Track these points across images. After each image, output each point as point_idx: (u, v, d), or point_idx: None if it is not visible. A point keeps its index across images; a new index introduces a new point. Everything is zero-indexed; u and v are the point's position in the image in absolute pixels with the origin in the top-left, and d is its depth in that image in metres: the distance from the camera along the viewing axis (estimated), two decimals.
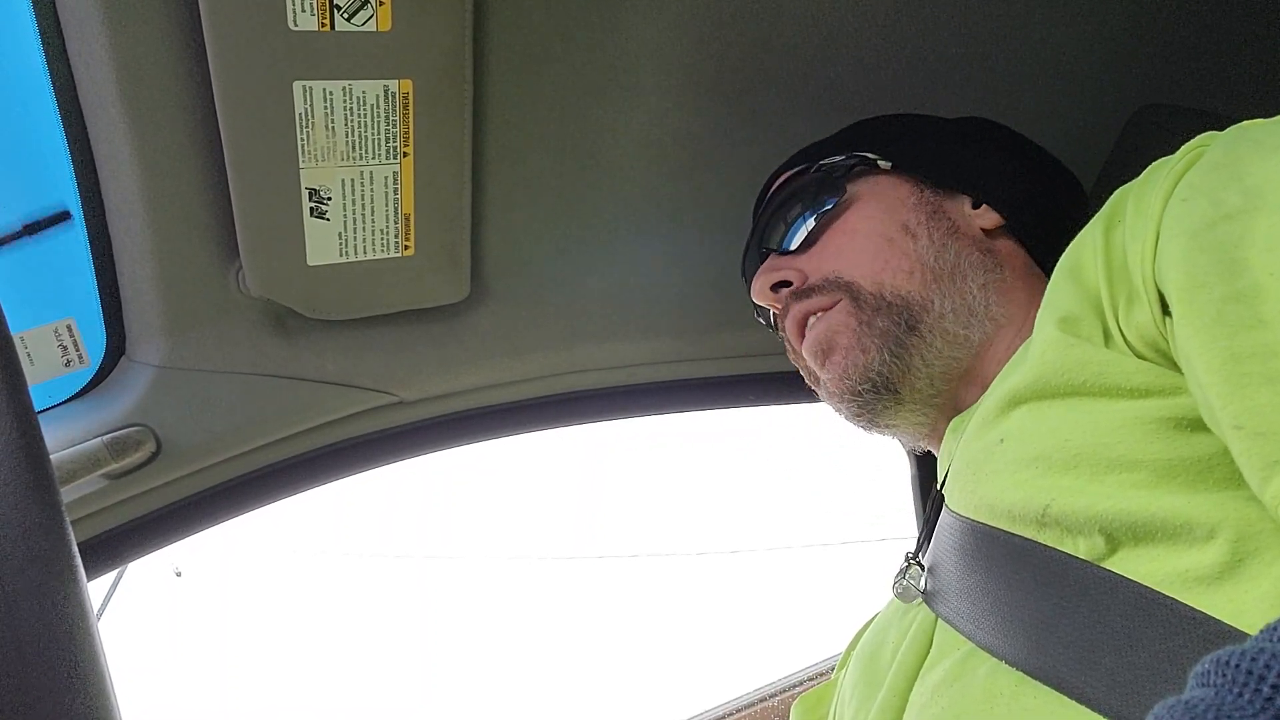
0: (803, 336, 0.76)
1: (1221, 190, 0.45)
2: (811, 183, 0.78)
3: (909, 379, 0.70)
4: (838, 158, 0.78)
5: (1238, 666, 0.28)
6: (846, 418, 0.76)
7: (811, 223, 0.76)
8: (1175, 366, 0.48)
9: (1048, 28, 0.96)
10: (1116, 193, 0.55)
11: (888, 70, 0.96)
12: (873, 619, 0.75)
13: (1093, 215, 0.57)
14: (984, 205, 0.75)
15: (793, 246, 0.77)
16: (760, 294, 0.78)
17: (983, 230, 0.75)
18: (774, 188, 0.83)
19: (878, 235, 0.73)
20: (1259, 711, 0.27)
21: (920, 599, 0.61)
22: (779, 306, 0.78)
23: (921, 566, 0.62)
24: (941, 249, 0.72)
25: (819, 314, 0.74)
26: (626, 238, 1.01)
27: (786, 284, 0.76)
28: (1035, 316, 0.63)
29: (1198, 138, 0.51)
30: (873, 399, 0.71)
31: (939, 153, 0.78)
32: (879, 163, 0.77)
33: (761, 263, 0.81)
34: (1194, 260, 0.44)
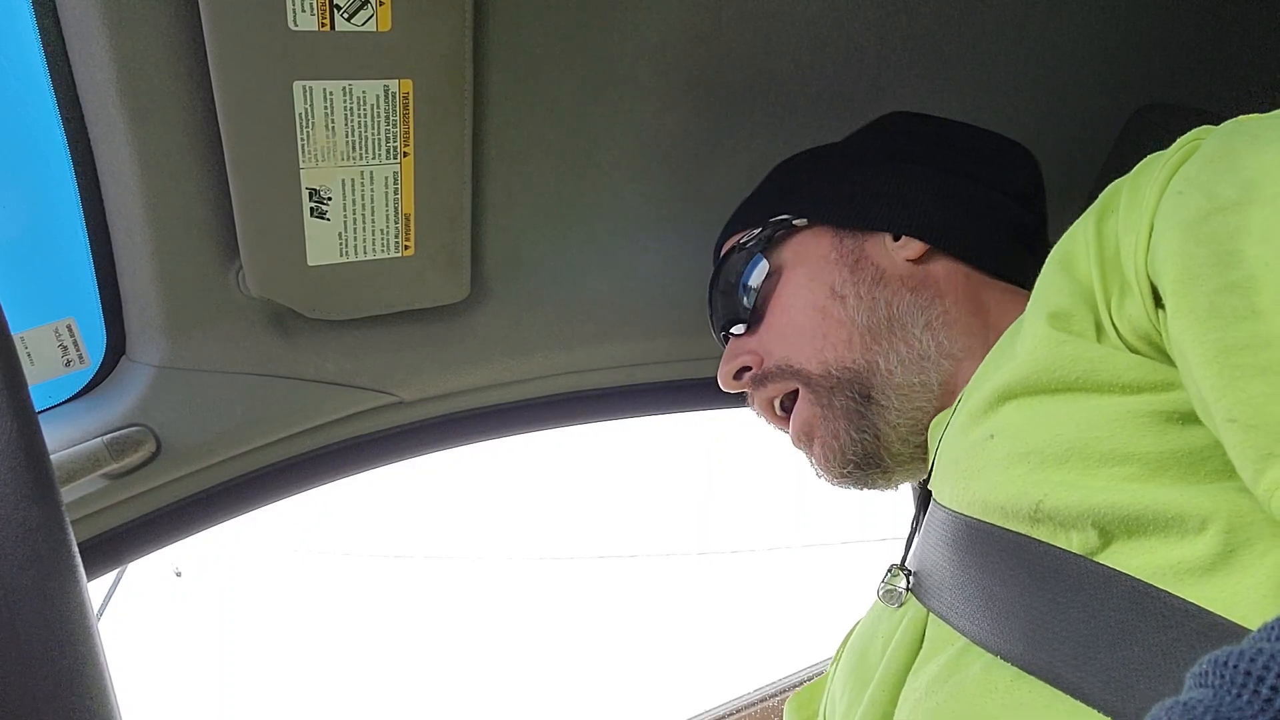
0: (774, 415, 0.79)
1: (1217, 183, 0.45)
2: (739, 260, 0.80)
3: (883, 446, 0.72)
4: (756, 230, 0.80)
5: (1235, 667, 0.28)
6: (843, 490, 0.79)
7: (752, 301, 0.78)
8: (1168, 359, 0.48)
9: (1048, 28, 0.97)
10: (1110, 186, 0.55)
11: (887, 71, 0.96)
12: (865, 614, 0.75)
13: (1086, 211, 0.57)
14: (903, 236, 0.75)
15: (742, 329, 0.80)
16: (726, 383, 0.81)
17: (911, 261, 0.75)
18: (718, 262, 0.84)
19: (809, 308, 0.75)
20: (1258, 712, 0.27)
21: (906, 600, 0.61)
22: (746, 389, 0.81)
23: (907, 572, 0.63)
24: (873, 304, 0.73)
25: (781, 399, 0.77)
26: (626, 238, 1.01)
27: (748, 369, 0.79)
28: (997, 329, 0.62)
29: (1193, 131, 0.51)
30: (861, 475, 0.74)
31: (846, 193, 0.78)
32: (794, 222, 0.78)
33: (723, 342, 0.84)
34: (1188, 252, 0.44)
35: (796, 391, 0.76)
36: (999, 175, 0.80)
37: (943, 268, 0.75)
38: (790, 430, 0.78)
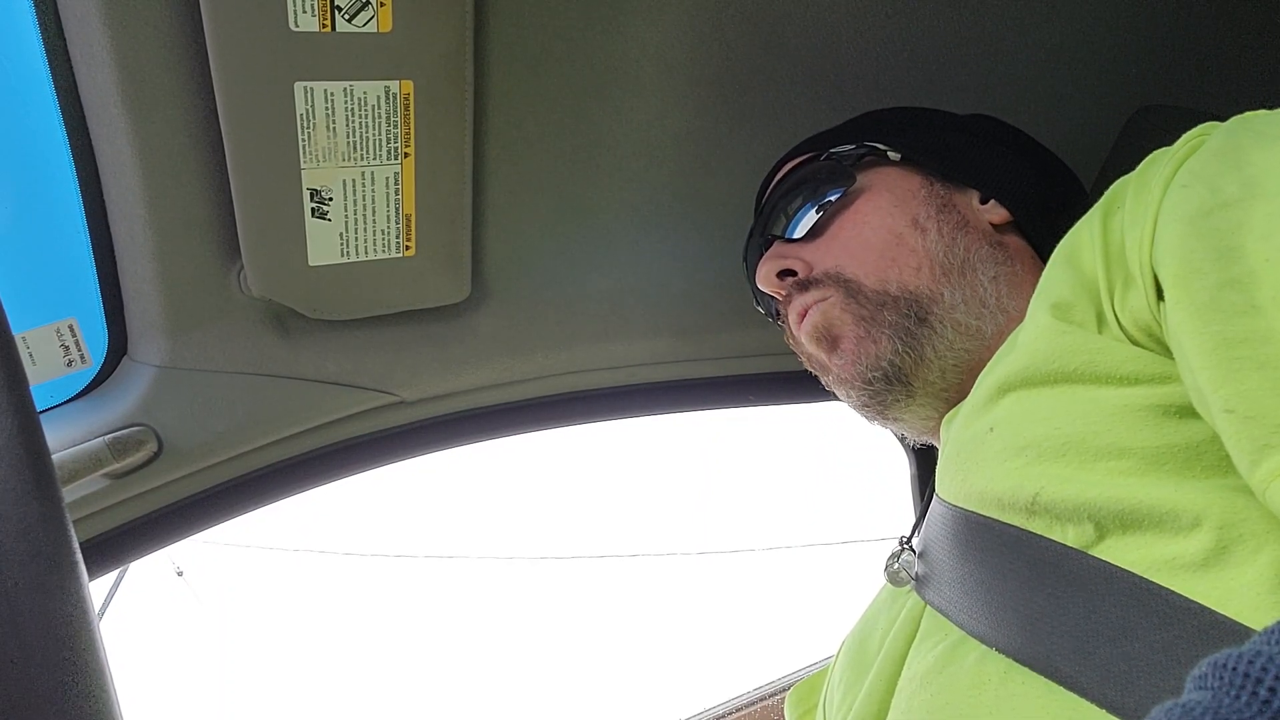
0: (800, 326, 0.76)
1: (1220, 178, 0.45)
2: (820, 170, 0.76)
3: (921, 370, 0.69)
4: (848, 146, 0.77)
5: (1235, 669, 0.28)
6: (854, 406, 0.75)
7: (819, 211, 0.75)
8: (1168, 352, 0.48)
9: (1048, 28, 0.97)
10: (1116, 183, 0.55)
11: (888, 71, 0.96)
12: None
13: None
14: (992, 200, 0.75)
15: (798, 235, 0.76)
16: (765, 280, 0.76)
17: (991, 225, 0.75)
18: (780, 174, 0.82)
19: (886, 230, 0.72)
20: (1256, 715, 0.27)
21: (911, 585, 0.61)
22: (783, 294, 0.77)
23: (914, 551, 0.63)
24: (951, 243, 0.71)
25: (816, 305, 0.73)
26: (626, 238, 1.01)
27: (791, 273, 0.75)
28: None
29: (1199, 127, 0.51)
30: (884, 389, 0.70)
31: (948, 147, 0.78)
32: (889, 154, 0.76)
33: (765, 249, 0.79)
34: (1190, 246, 0.44)
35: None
36: (1065, 178, 0.82)
37: (1016, 241, 0.75)
38: (805, 325, 0.74)
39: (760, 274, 0.77)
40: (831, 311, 0.72)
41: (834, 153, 0.77)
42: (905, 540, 0.66)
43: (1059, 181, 0.81)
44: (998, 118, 0.86)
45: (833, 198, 0.74)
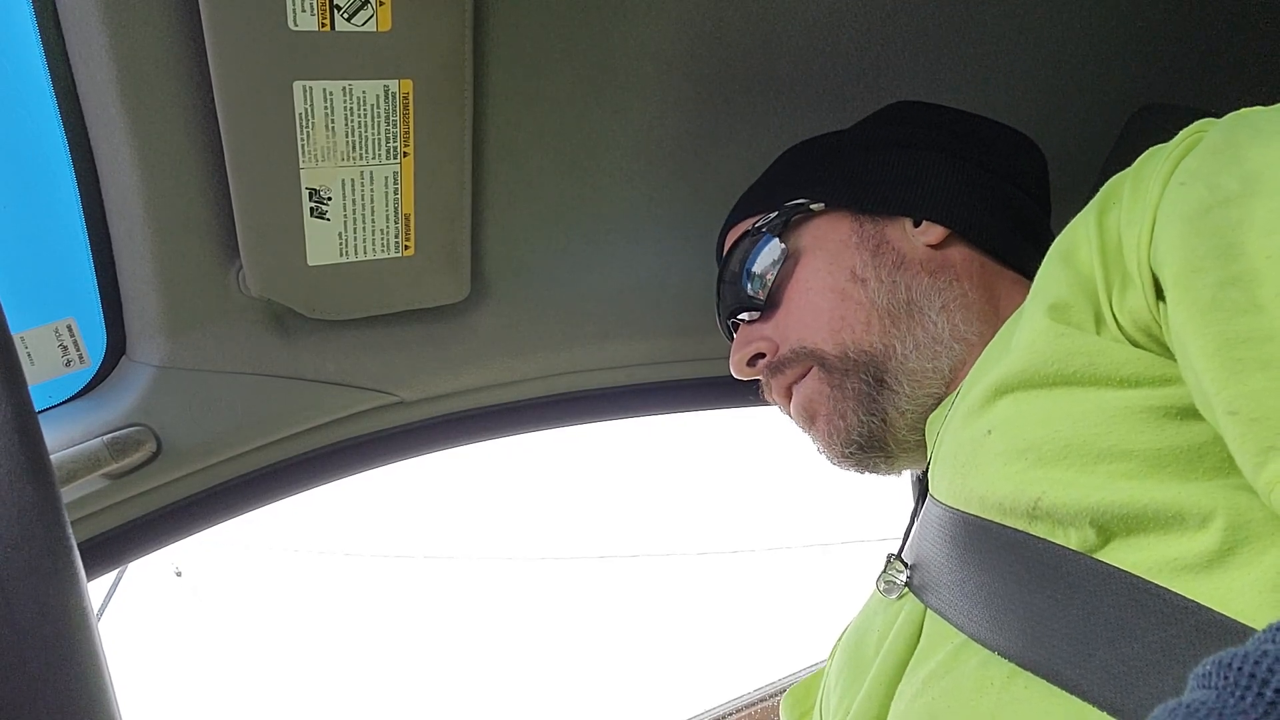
0: (789, 403, 0.78)
1: (1219, 175, 0.45)
2: (757, 244, 0.78)
3: (889, 431, 0.71)
4: (772, 214, 0.78)
5: (1240, 669, 0.28)
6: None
7: (766, 287, 0.77)
8: (1169, 353, 0.48)
9: (1048, 28, 0.97)
10: (1112, 179, 0.55)
11: (888, 70, 0.96)
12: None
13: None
14: (924, 222, 0.75)
15: (756, 315, 0.78)
16: (739, 370, 0.79)
17: (930, 246, 0.74)
18: (725, 252, 0.82)
19: (829, 291, 0.74)
20: (1261, 715, 0.26)
21: (904, 592, 0.61)
22: (760, 377, 0.79)
23: (904, 563, 0.63)
24: (892, 287, 0.72)
25: (797, 383, 0.76)
26: (626, 238, 1.01)
27: (761, 355, 0.77)
28: (1005, 318, 0.62)
29: (1195, 124, 0.51)
30: (863, 457, 0.73)
31: (867, 177, 0.77)
32: (811, 206, 0.77)
33: (731, 331, 0.82)
34: (1190, 245, 0.44)
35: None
36: (1009, 166, 0.80)
37: (960, 254, 0.74)
38: (792, 406, 0.77)
39: (733, 364, 0.80)
40: (808, 388, 0.74)
41: (761, 225, 0.78)
42: (894, 555, 0.66)
43: (992, 165, 0.79)
44: (910, 105, 0.84)
45: (774, 273, 0.76)
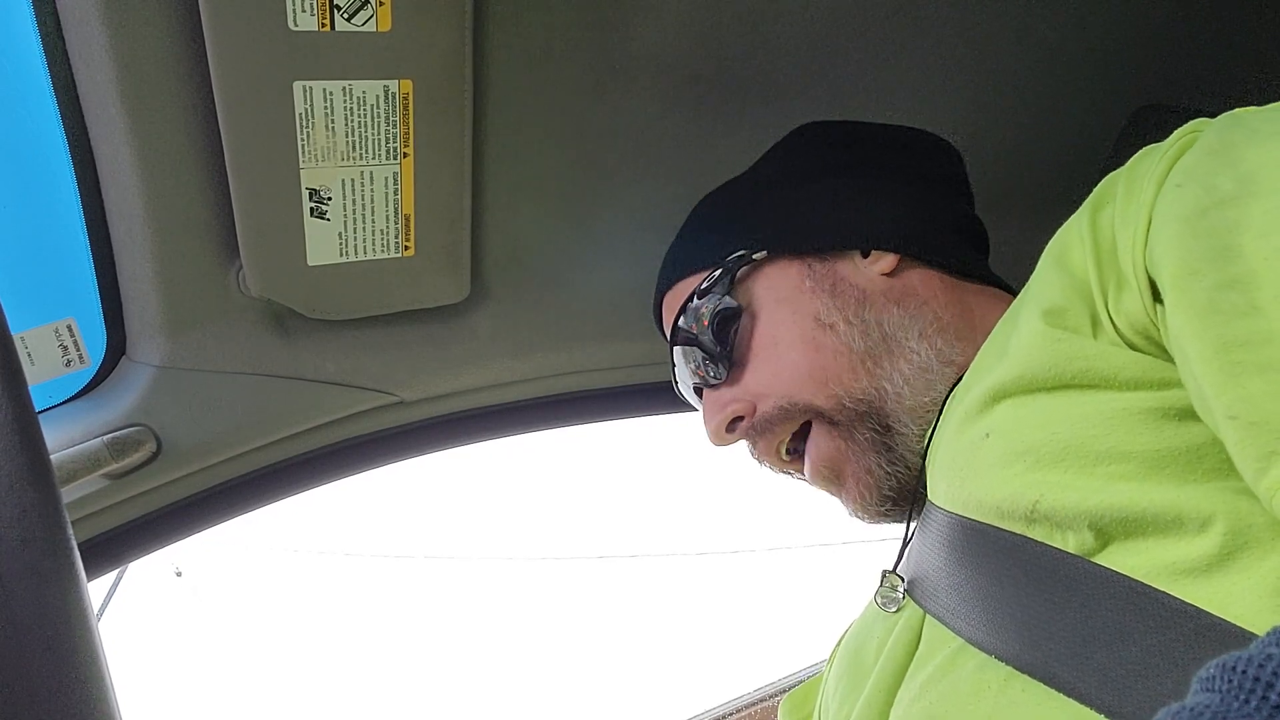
0: (782, 461, 0.74)
1: (1215, 176, 0.45)
2: (706, 305, 0.73)
3: (912, 473, 0.67)
4: (716, 271, 0.74)
5: (1244, 673, 0.28)
6: None
7: (725, 347, 0.72)
8: (1165, 355, 0.48)
9: (1048, 28, 0.97)
10: (1105, 179, 0.54)
11: (888, 71, 0.96)
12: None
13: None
14: (873, 251, 0.72)
15: (721, 378, 0.74)
16: (719, 438, 0.75)
17: (885, 275, 0.71)
18: (673, 318, 0.77)
19: (800, 341, 0.70)
20: (1266, 719, 0.26)
21: (903, 604, 0.61)
22: (744, 440, 0.75)
23: (900, 578, 0.62)
24: (864, 327, 0.69)
25: (791, 440, 0.72)
26: (626, 238, 1.01)
27: (740, 418, 0.73)
28: (983, 329, 0.60)
29: (1190, 123, 0.50)
30: (894, 509, 0.69)
31: (800, 217, 0.74)
32: (753, 256, 0.73)
33: (697, 397, 0.78)
34: (1187, 247, 0.44)
35: (804, 431, 0.72)
36: (936, 171, 0.77)
37: (918, 276, 0.72)
38: (809, 469, 0.72)
39: (710, 432, 0.75)
40: (821, 446, 0.70)
41: (704, 288, 0.74)
42: (890, 571, 0.65)
43: (918, 171, 0.76)
44: (816, 123, 0.82)
45: (728, 329, 0.72)
